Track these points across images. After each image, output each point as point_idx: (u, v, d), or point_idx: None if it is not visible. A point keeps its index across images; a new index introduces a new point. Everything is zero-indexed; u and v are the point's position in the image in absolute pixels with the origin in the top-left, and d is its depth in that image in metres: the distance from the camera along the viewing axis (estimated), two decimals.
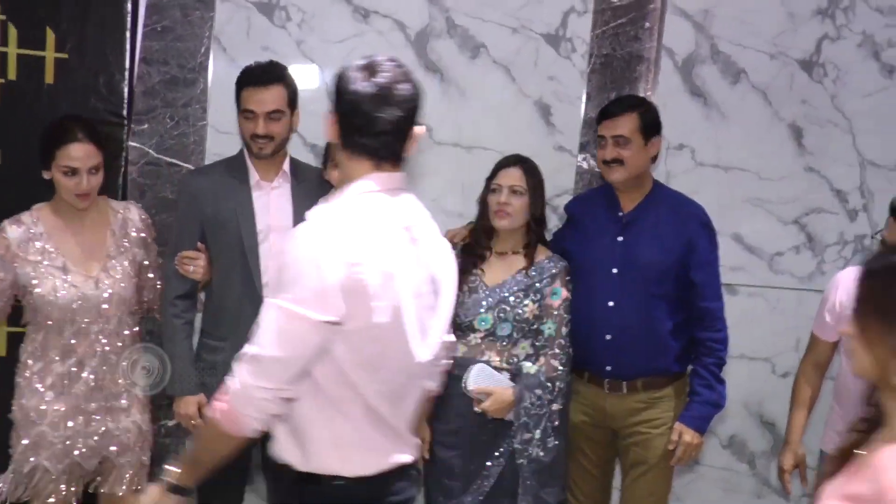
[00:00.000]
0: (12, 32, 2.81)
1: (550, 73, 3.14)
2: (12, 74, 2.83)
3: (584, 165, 3.19)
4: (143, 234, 2.59)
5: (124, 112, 2.93)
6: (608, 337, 2.66)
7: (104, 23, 2.88)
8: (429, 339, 1.71)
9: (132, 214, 2.59)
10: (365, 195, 1.62)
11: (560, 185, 3.10)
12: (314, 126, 2.66)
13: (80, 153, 2.38)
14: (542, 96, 3.15)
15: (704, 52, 3.18)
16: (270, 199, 2.61)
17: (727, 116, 3.22)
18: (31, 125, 2.73)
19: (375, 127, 1.60)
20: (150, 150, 2.88)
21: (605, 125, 2.65)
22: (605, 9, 3.12)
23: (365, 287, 1.54)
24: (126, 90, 2.94)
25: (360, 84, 1.59)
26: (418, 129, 1.69)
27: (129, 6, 2.88)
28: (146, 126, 2.86)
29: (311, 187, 2.59)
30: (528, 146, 2.90)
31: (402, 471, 1.77)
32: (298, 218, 2.37)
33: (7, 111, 2.84)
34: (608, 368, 2.69)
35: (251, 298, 2.51)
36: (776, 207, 3.30)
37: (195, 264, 2.54)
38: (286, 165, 2.62)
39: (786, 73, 3.21)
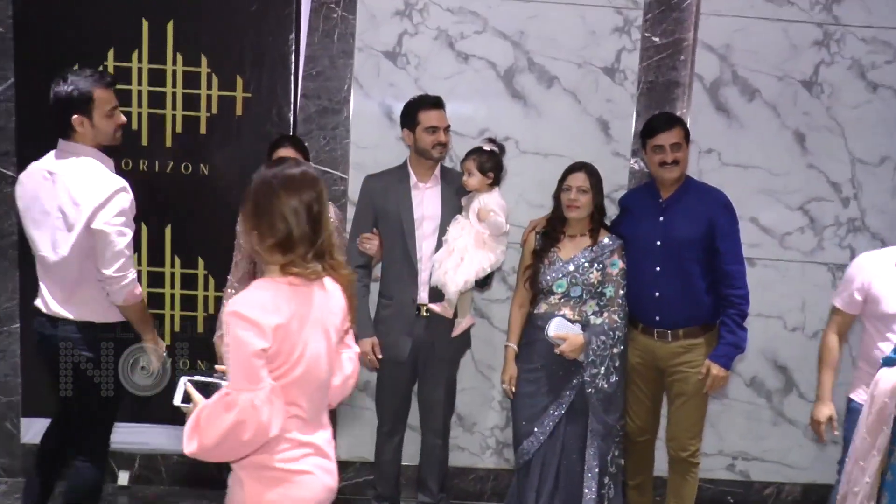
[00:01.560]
0: (215, 80, 3.41)
1: (608, 97, 3.49)
2: (215, 109, 3.42)
3: (635, 167, 3.54)
4: (336, 223, 3.04)
5: (290, 133, 3.39)
6: (656, 294, 3.04)
7: (275, 71, 3.41)
8: None
9: (330, 210, 3.21)
10: None
11: (616, 182, 3.48)
12: None
13: (286, 154, 2.94)
14: (602, 114, 3.50)
15: (727, 76, 3.50)
16: (424, 196, 3.11)
17: (745, 126, 3.53)
18: (227, 145, 3.40)
19: None
20: (310, 162, 3.15)
21: (662, 136, 2.98)
22: (650, 46, 3.48)
23: None
24: (291, 118, 3.44)
25: None
26: None
27: (293, 57, 3.40)
28: (305, 144, 3.21)
29: (456, 188, 3.10)
30: (590, 153, 3.36)
31: None
32: (445, 211, 3.04)
33: (211, 136, 3.42)
34: (657, 319, 3.06)
35: (409, 269, 3.07)
36: (784, 196, 3.58)
37: (370, 243, 3.08)
38: (437, 171, 3.12)
39: (790, 91, 3.52)
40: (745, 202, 3.49)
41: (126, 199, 2.64)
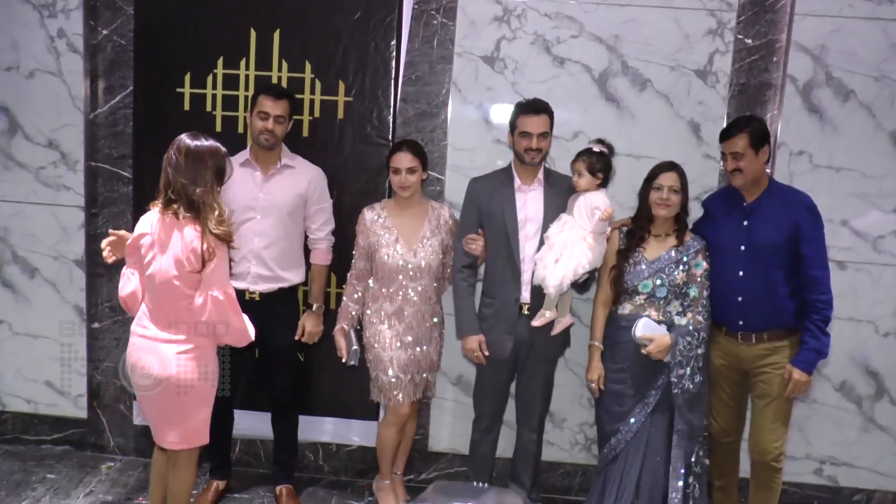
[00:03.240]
0: (318, 85, 3.55)
1: (699, 99, 3.50)
2: (317, 113, 3.56)
3: None
4: (450, 224, 3.25)
5: (390, 136, 3.55)
6: (739, 299, 3.02)
7: (376, 76, 3.53)
8: None
9: (444, 212, 3.27)
10: None
11: (706, 184, 3.50)
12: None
13: (402, 160, 3.15)
14: (693, 117, 3.51)
15: (820, 78, 3.46)
16: (528, 199, 3.16)
17: (838, 128, 3.48)
18: (328, 147, 3.53)
19: None
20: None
21: (724, 145, 3.02)
22: (742, 48, 3.47)
23: None
24: (391, 121, 3.56)
25: None
26: None
27: (394, 63, 3.50)
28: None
29: (559, 191, 3.15)
30: (682, 155, 3.35)
31: None
32: (548, 212, 3.10)
33: (314, 138, 3.57)
34: (740, 323, 3.05)
35: (512, 269, 3.13)
36: (878, 199, 3.52)
37: (476, 244, 3.16)
38: (540, 174, 3.18)
39: (887, 92, 3.46)
40: (837, 205, 3.50)
41: None
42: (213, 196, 2.63)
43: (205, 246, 2.57)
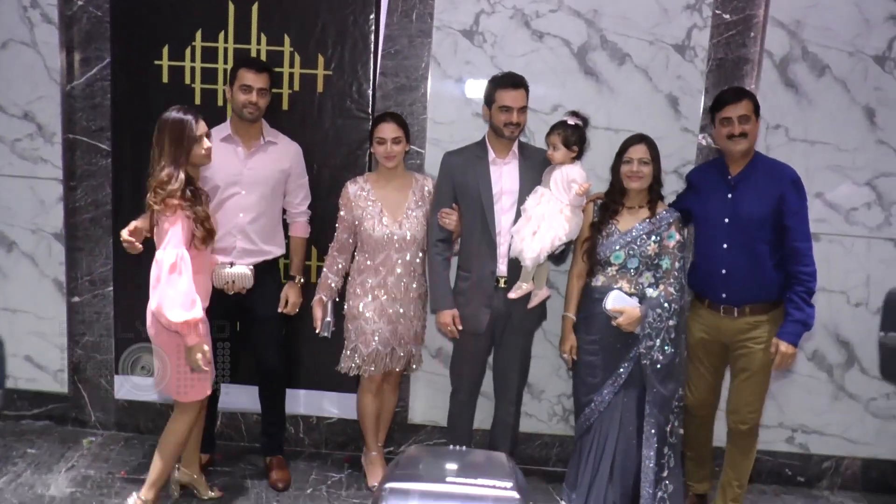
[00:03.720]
0: (297, 58, 3.53)
1: (678, 74, 3.52)
2: (297, 87, 3.54)
3: (703, 143, 3.56)
4: (433, 196, 3.23)
5: (370, 110, 3.54)
6: (724, 271, 3.05)
7: (356, 49, 3.52)
8: None
9: (428, 184, 3.27)
10: None
11: (684, 157, 3.54)
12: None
13: (386, 130, 3.15)
14: (672, 91, 3.53)
15: (797, 53, 3.49)
16: (503, 172, 3.16)
17: (813, 102, 3.51)
18: (307, 121, 3.51)
19: None
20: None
21: (730, 109, 2.98)
22: (720, 24, 3.49)
23: None
24: (370, 95, 3.55)
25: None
26: None
27: (373, 37, 3.49)
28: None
29: (533, 164, 3.16)
30: (660, 129, 3.42)
31: None
32: (523, 185, 3.11)
33: (293, 112, 3.55)
34: (724, 296, 3.07)
35: (488, 243, 3.14)
36: (851, 172, 3.56)
37: (450, 218, 3.16)
38: (515, 147, 3.17)
39: (861, 66, 3.49)
40: (811, 178, 3.52)
41: None
42: (166, 163, 2.78)
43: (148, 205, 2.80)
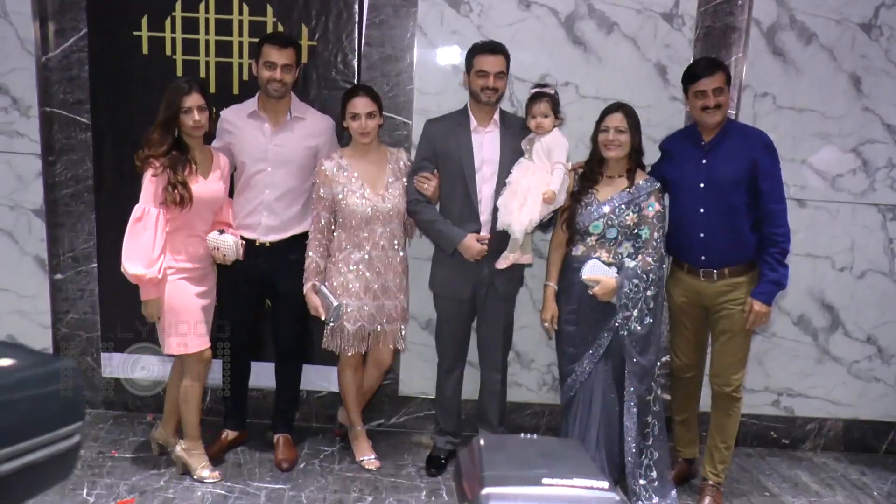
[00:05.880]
0: (280, 29, 3.46)
1: (666, 42, 3.52)
2: None
3: None
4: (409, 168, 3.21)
5: (355, 80, 3.49)
6: (701, 235, 3.08)
7: (340, 19, 3.47)
8: None
9: (403, 156, 3.25)
10: None
11: (673, 126, 3.48)
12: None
13: (359, 105, 3.09)
14: (660, 60, 3.54)
15: (784, 21, 3.50)
16: (484, 140, 3.15)
17: (800, 70, 3.54)
18: (293, 91, 3.35)
19: None
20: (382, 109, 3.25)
21: (705, 82, 2.99)
22: None
23: None
24: (356, 65, 3.51)
25: None
26: None
27: (357, 6, 3.44)
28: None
29: (514, 132, 3.14)
30: (648, 98, 3.44)
31: None
32: (504, 154, 3.09)
33: None
34: (703, 258, 3.11)
35: (469, 211, 3.14)
36: (838, 139, 3.61)
37: (429, 183, 3.14)
38: (496, 115, 3.16)
39: (848, 34, 3.52)
40: (798, 145, 3.57)
41: None
42: (158, 124, 2.98)
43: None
